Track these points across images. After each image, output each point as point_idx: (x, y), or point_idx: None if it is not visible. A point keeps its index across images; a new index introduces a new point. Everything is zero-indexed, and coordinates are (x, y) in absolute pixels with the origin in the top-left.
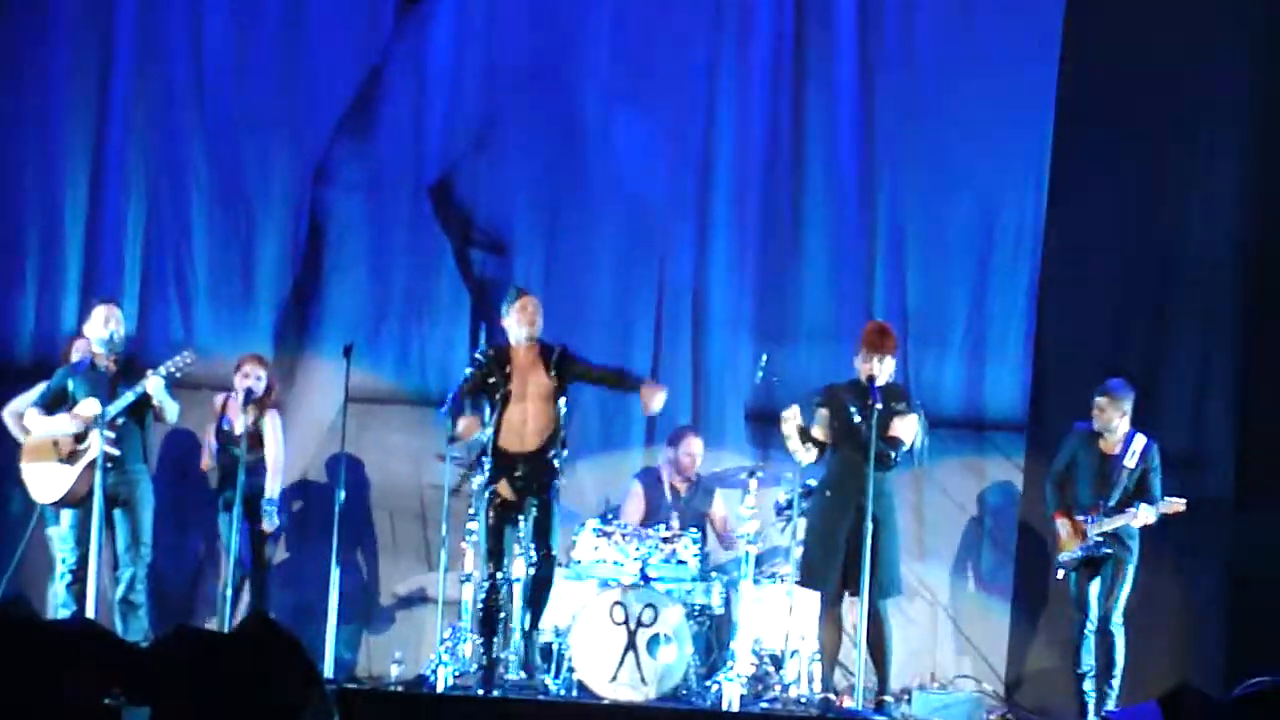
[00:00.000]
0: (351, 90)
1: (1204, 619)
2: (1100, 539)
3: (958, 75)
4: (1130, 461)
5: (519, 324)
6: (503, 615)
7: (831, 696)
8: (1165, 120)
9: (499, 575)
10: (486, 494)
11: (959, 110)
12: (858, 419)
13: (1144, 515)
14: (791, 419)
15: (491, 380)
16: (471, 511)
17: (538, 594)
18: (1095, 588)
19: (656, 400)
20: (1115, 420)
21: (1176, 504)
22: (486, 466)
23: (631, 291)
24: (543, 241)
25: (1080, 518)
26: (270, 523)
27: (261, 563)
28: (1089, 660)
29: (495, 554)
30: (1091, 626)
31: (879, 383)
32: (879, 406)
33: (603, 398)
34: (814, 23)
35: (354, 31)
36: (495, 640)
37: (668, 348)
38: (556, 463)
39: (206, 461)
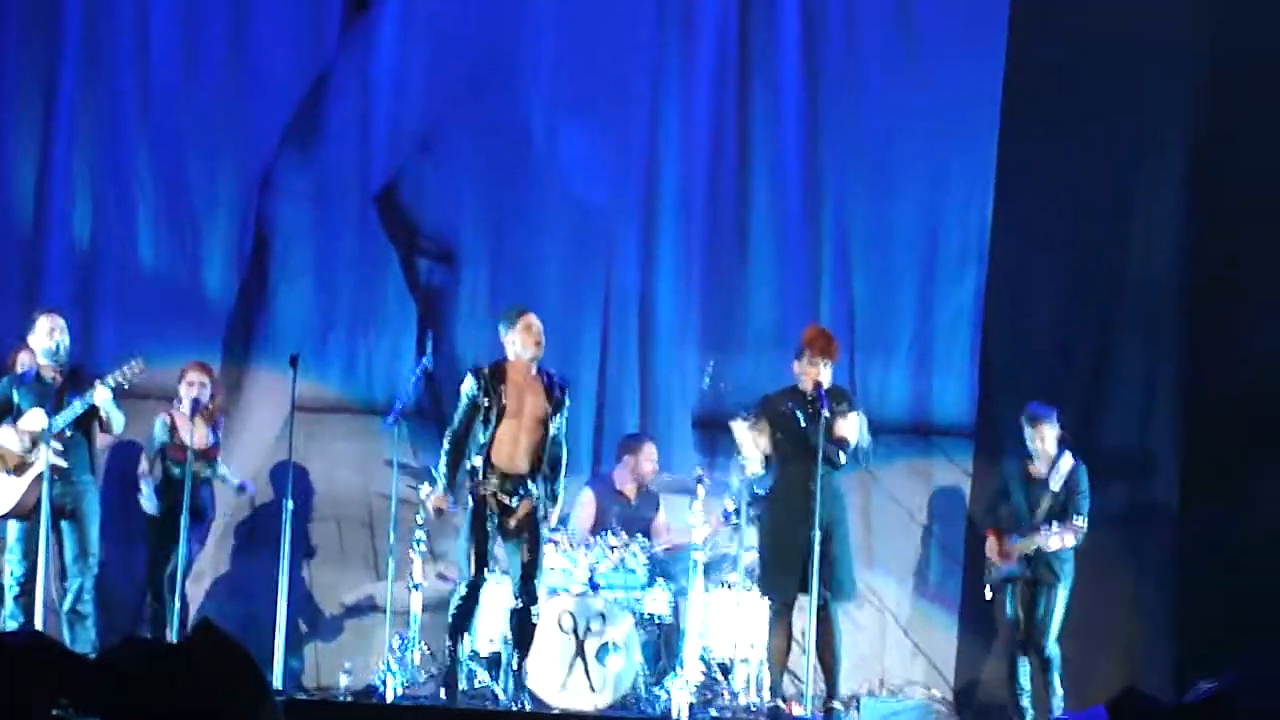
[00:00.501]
0: (297, 99)
1: (1152, 624)
2: (1022, 559)
3: (902, 84)
4: (1055, 484)
5: (524, 344)
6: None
7: (780, 704)
8: (1110, 132)
9: (478, 580)
10: (471, 499)
11: (904, 119)
12: (803, 424)
13: (1054, 537)
14: (742, 427)
15: (486, 403)
16: (420, 521)
17: (522, 634)
18: (1027, 611)
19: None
20: (1046, 443)
21: (1075, 524)
22: (480, 474)
23: (578, 299)
24: (489, 250)
25: (1008, 536)
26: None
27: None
28: (1025, 679)
29: (480, 556)
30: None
31: (824, 388)
32: (826, 414)
33: None
34: (757, 29)
35: (299, 41)
36: (460, 645)
37: (614, 355)
38: (538, 488)
39: (144, 466)
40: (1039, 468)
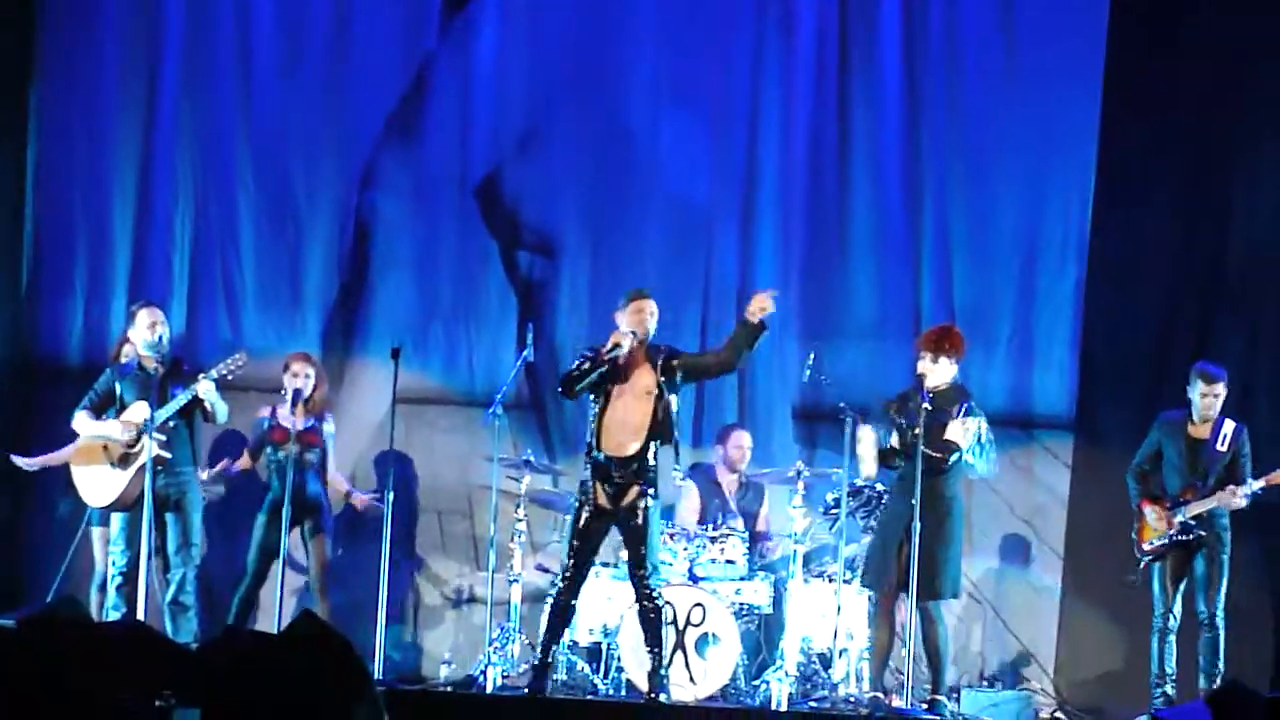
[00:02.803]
0: (397, 94)
1: (1251, 621)
2: (1193, 521)
3: (1002, 75)
4: (1222, 446)
5: (631, 325)
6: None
7: (880, 695)
8: (1211, 115)
9: (577, 576)
10: (581, 494)
11: (1004, 108)
12: (907, 422)
13: (1236, 495)
14: (867, 439)
15: (596, 379)
16: (522, 514)
17: (652, 625)
18: (1185, 583)
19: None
20: (1217, 403)
21: (1249, 486)
22: (590, 460)
23: (677, 291)
24: (589, 242)
25: (1168, 504)
26: (367, 499)
27: (318, 564)
28: (1171, 661)
29: (579, 556)
30: (1174, 622)
31: (930, 384)
32: (927, 407)
33: None
34: (857, 22)
35: (399, 36)
36: (556, 643)
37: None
38: (652, 472)
39: (245, 460)
40: (1200, 429)
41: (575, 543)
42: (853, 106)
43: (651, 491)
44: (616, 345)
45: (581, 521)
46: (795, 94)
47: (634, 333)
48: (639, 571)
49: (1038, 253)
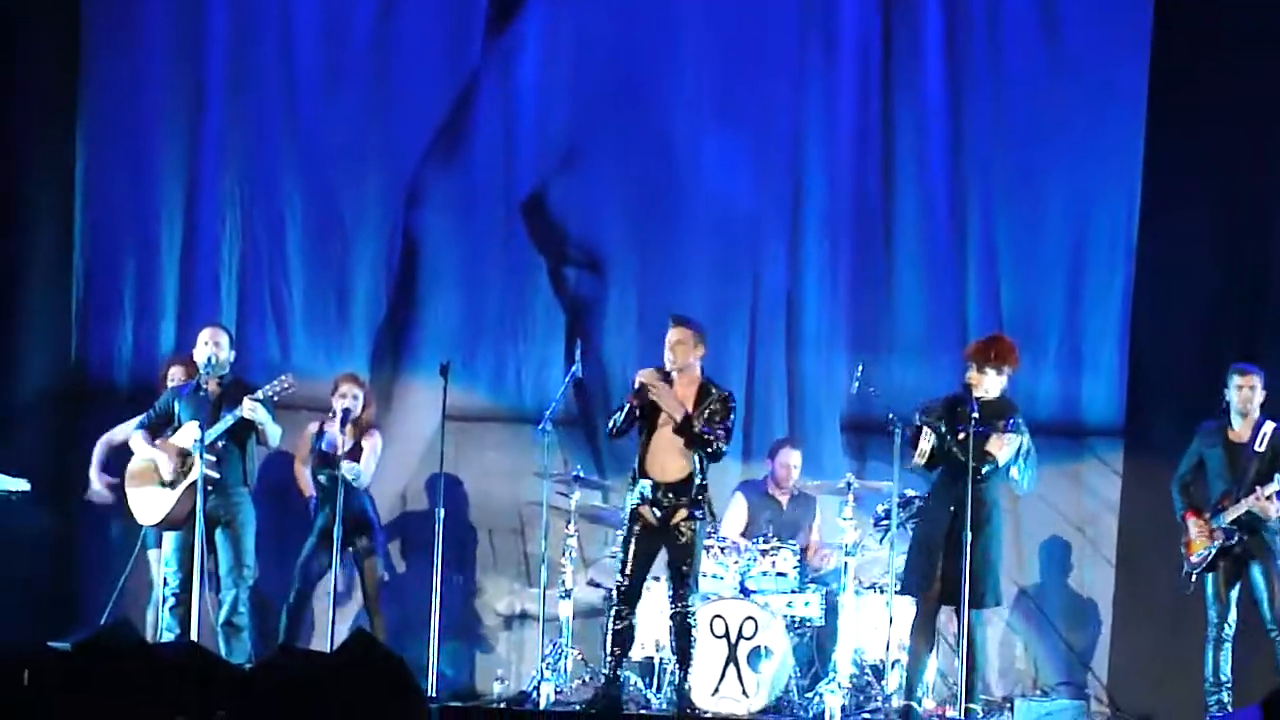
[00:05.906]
0: (442, 112)
1: None
2: (1233, 527)
3: (1047, 85)
4: (1260, 446)
5: (668, 354)
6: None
7: (914, 705)
8: (1260, 121)
9: (633, 593)
10: (630, 512)
11: (1049, 118)
12: (946, 431)
13: (1263, 497)
14: (926, 439)
15: (639, 411)
16: (572, 529)
17: (679, 641)
18: (1240, 590)
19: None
20: (1254, 400)
21: None
22: (636, 485)
23: (725, 306)
24: (636, 258)
25: (1208, 514)
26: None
27: (370, 583)
28: (1226, 669)
29: (630, 574)
30: (1229, 630)
31: (977, 394)
32: (975, 416)
33: None
34: (901, 35)
35: (444, 54)
36: (624, 660)
37: (762, 361)
38: (700, 499)
39: (305, 488)
40: (1241, 432)
41: (626, 564)
42: (897, 117)
43: (699, 512)
44: (643, 385)
45: (629, 541)
46: (839, 106)
47: (658, 367)
48: (681, 589)
49: (1085, 260)
